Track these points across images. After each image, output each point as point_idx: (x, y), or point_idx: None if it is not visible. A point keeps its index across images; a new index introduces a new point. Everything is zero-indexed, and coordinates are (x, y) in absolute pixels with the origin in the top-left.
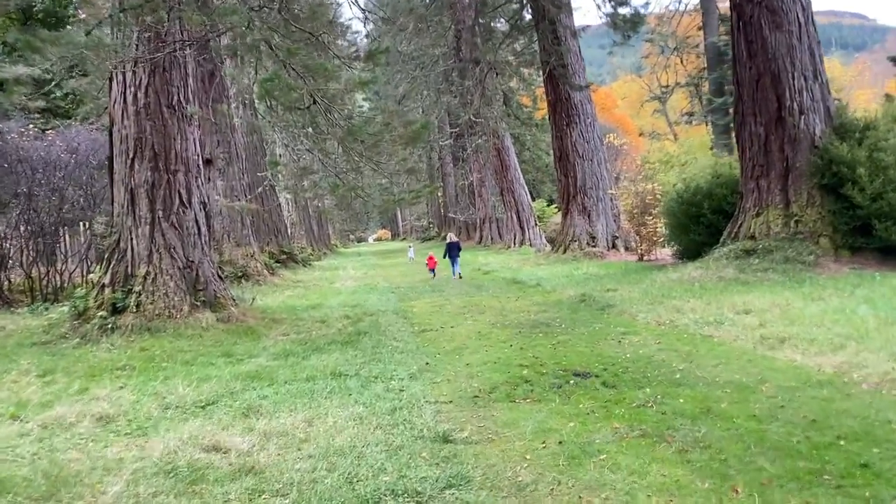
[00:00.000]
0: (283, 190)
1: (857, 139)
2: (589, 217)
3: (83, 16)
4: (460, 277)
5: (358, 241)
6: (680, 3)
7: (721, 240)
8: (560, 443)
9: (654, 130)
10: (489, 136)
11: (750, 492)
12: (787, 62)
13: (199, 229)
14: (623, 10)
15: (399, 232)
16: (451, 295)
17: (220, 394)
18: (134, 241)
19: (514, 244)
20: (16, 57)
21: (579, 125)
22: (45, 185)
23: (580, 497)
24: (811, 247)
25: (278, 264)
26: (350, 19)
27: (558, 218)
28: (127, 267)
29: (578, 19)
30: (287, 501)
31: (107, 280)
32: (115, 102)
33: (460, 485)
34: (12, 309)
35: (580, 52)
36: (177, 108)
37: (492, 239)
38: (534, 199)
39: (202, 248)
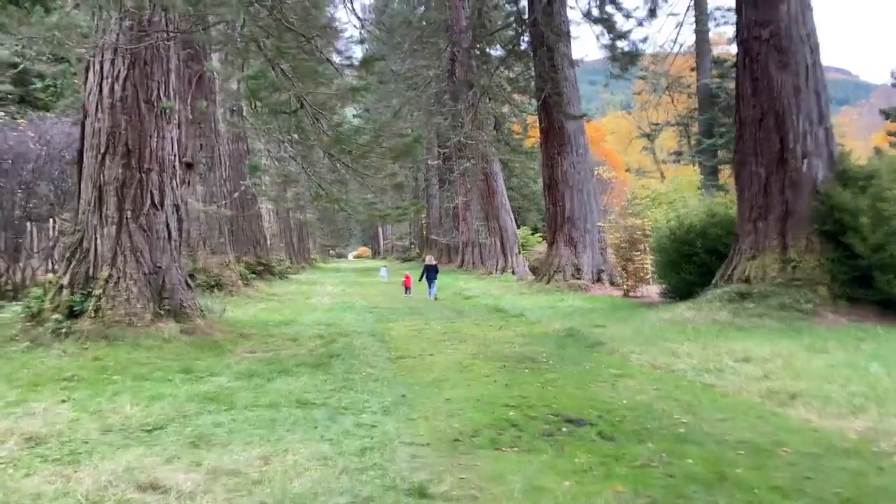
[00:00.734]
0: (264, 199)
1: (860, 187)
2: (575, 248)
3: None
4: (436, 299)
5: (338, 257)
6: (675, 42)
7: (714, 281)
8: None
9: (641, 167)
10: (478, 159)
11: None
12: (793, 103)
13: (169, 233)
14: (621, 44)
15: (380, 250)
16: (431, 319)
17: (170, 417)
18: (98, 242)
19: (496, 270)
20: None
21: (571, 155)
22: (13, 177)
23: None
24: (808, 294)
25: (254, 275)
26: (346, 23)
27: (542, 247)
28: (88, 268)
29: (576, 51)
30: None
31: (66, 281)
32: (89, 93)
33: None
34: None
35: (576, 82)
36: (155, 103)
37: (473, 264)
38: (518, 227)
39: (171, 254)
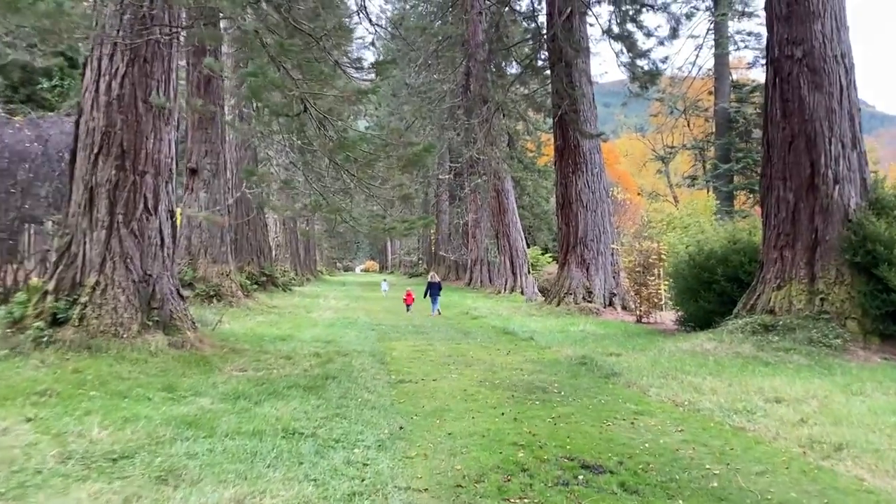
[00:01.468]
0: (270, 210)
1: (895, 216)
2: (587, 270)
3: None
4: (439, 313)
5: (345, 270)
6: (693, 65)
7: (735, 311)
8: None
9: (655, 191)
10: (490, 176)
11: None
12: (825, 126)
13: (162, 240)
14: (641, 62)
15: (387, 265)
16: (436, 339)
17: (141, 443)
18: (87, 246)
19: (505, 290)
20: None
21: (585, 174)
22: (7, 177)
23: None
24: (837, 329)
25: (257, 286)
26: (357, 23)
27: (552, 267)
28: (76, 274)
29: (594, 68)
30: None
31: (51, 286)
32: (85, 90)
33: None
34: None
35: (594, 99)
36: (155, 104)
37: (481, 282)
38: (529, 246)
39: (163, 262)
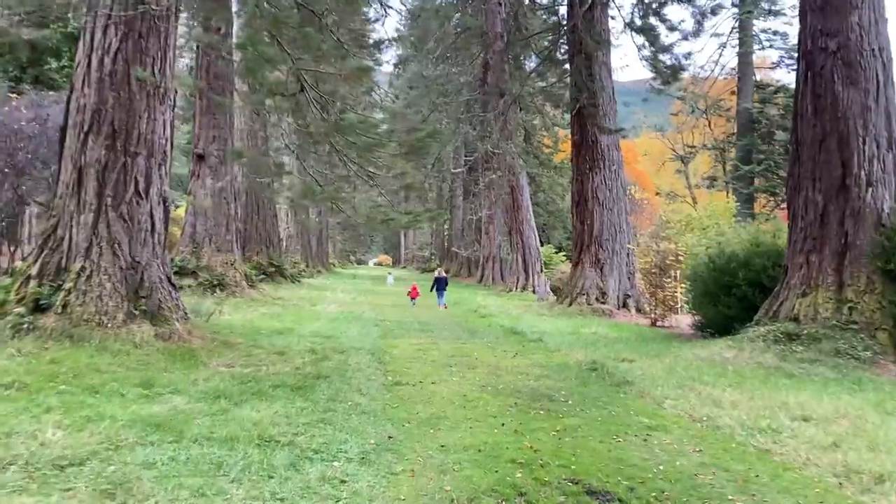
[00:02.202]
0: (281, 199)
1: None
2: (601, 270)
3: None
4: (446, 307)
5: (358, 263)
6: (716, 64)
7: (756, 317)
8: None
9: (673, 191)
10: (504, 171)
11: None
12: (860, 124)
13: (153, 225)
14: (664, 57)
15: (401, 259)
16: (441, 338)
17: (97, 448)
18: (74, 230)
19: (517, 288)
20: None
21: (603, 171)
22: (1, 156)
23: None
24: (867, 341)
25: (265, 276)
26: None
27: (565, 266)
28: (61, 259)
29: (615, 62)
30: None
31: (34, 271)
32: (77, 65)
33: None
34: None
35: (614, 93)
36: (149, 82)
37: (493, 279)
38: (542, 244)
39: (153, 248)
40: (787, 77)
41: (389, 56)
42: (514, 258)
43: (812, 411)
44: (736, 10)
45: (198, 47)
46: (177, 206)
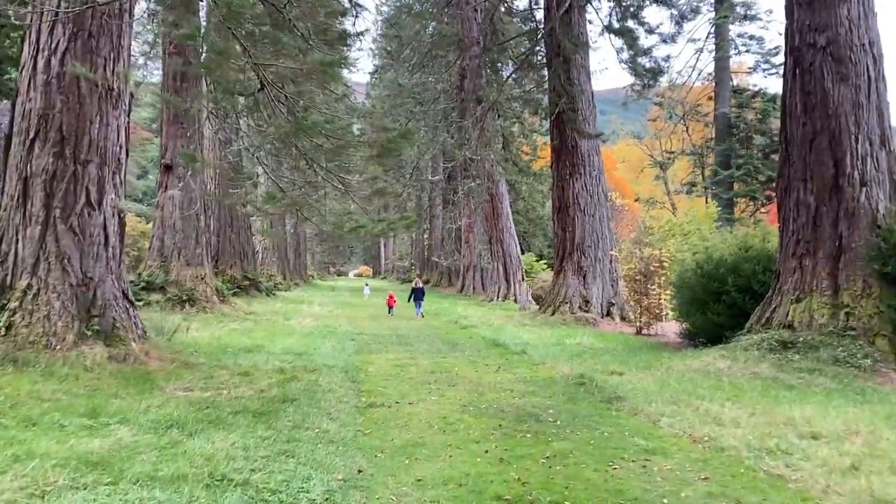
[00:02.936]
0: (256, 211)
1: None
2: (584, 278)
3: None
4: (422, 317)
5: (338, 275)
6: (693, 69)
7: (748, 325)
8: None
9: (652, 197)
10: (483, 179)
11: None
12: (851, 122)
13: (106, 238)
14: (643, 60)
15: (381, 270)
16: (420, 352)
17: (16, 497)
18: (19, 245)
19: (498, 297)
20: None
21: (583, 176)
22: None
23: None
24: (865, 348)
25: (239, 290)
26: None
27: (547, 275)
28: (6, 276)
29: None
30: None
31: None
32: (23, 67)
33: None
34: None
35: (593, 97)
36: (100, 84)
37: (474, 289)
38: (523, 252)
39: (107, 263)
40: (763, 81)
41: (359, 55)
42: (495, 267)
43: (820, 428)
44: (712, 14)
45: (164, 52)
46: (148, 221)
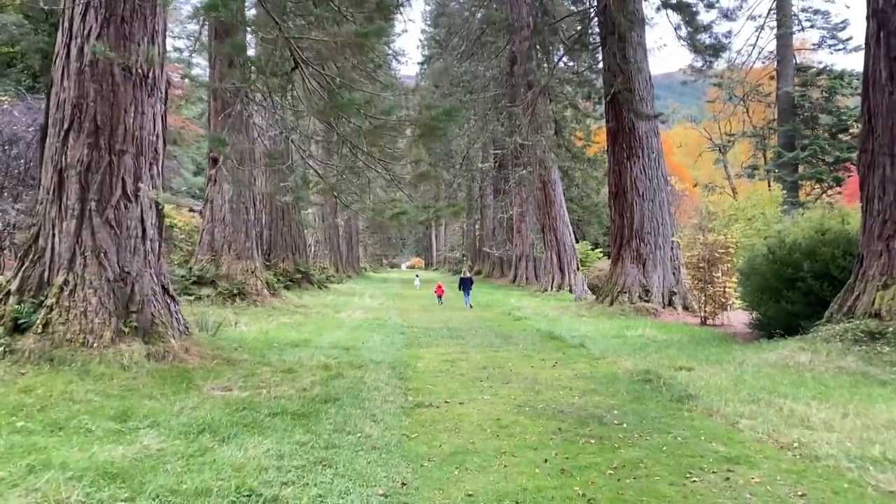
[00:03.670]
0: (310, 206)
1: None
2: (644, 266)
3: None
4: (471, 307)
5: (391, 267)
6: (754, 47)
7: (827, 314)
8: None
9: (711, 182)
10: (535, 166)
11: None
12: None
13: (143, 231)
14: (702, 37)
15: (433, 261)
16: (471, 345)
17: None
18: (55, 239)
19: (552, 287)
20: None
21: (641, 159)
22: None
23: None
24: None
25: (291, 283)
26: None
27: (603, 263)
28: (43, 272)
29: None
30: None
31: (14, 286)
32: (56, 56)
33: None
34: None
35: (650, 76)
36: (134, 71)
37: (527, 279)
38: (578, 241)
39: (145, 257)
40: (829, 58)
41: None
42: (548, 256)
43: None
44: None
45: (210, 42)
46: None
